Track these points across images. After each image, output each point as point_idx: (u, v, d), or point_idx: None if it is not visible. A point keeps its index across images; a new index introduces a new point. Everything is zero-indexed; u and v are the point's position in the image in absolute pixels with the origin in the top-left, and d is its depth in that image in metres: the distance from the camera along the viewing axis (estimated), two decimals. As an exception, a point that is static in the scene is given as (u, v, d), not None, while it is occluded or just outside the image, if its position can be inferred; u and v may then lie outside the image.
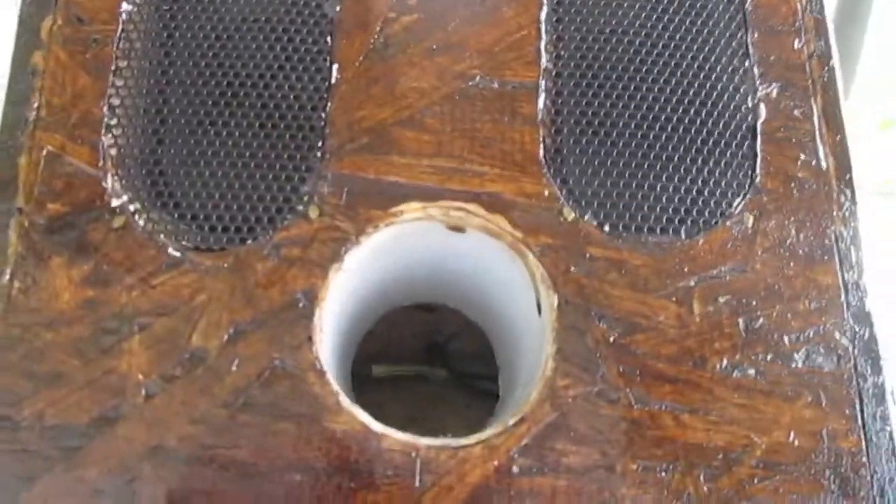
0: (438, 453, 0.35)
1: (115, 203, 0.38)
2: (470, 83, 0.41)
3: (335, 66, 0.40)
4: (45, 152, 0.39)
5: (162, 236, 0.38)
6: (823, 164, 0.41)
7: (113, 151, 0.39)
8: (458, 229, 0.40)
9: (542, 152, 0.40)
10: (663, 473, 0.36)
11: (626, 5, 0.42)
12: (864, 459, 0.37)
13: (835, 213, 0.40)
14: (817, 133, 0.41)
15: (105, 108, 0.39)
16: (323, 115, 0.40)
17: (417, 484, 0.35)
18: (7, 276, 0.37)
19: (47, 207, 0.38)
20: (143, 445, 0.35)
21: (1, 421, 0.35)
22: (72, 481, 0.34)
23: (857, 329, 0.39)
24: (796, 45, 0.43)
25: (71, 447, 0.35)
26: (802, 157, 0.41)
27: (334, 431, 0.35)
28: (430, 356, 0.59)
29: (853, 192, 0.41)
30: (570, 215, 0.39)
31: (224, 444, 0.35)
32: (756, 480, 0.36)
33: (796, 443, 0.37)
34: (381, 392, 0.59)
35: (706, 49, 0.42)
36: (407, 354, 0.57)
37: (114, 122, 0.39)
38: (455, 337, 0.57)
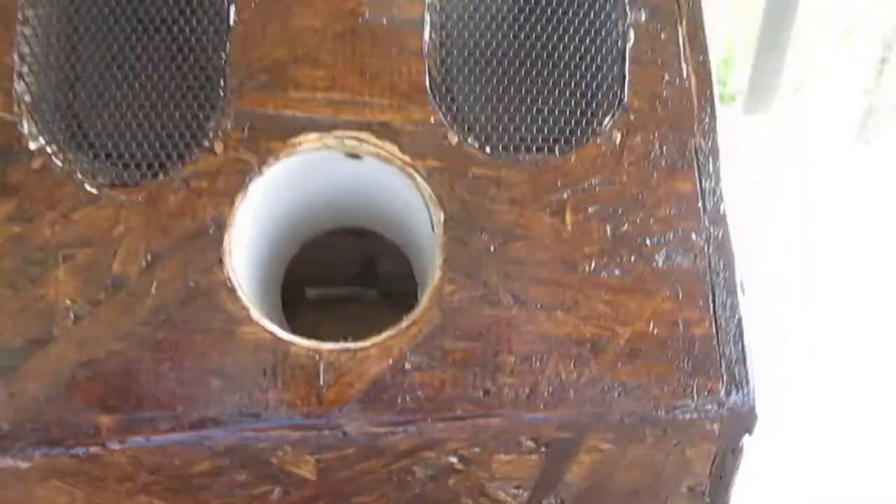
0: (339, 355, 0.40)
1: (32, 146, 0.41)
2: (360, 20, 0.44)
3: (232, 8, 0.43)
4: (-37, 101, 0.41)
5: (79, 175, 0.41)
6: (686, 83, 0.45)
7: (27, 97, 0.42)
8: (355, 156, 0.44)
9: (427, 82, 0.43)
10: (538, 363, 0.41)
11: (505, -61, 0.45)
12: (715, 343, 0.42)
13: (695, 127, 0.45)
14: (682, 55, 0.45)
15: (15, 56, 0.42)
16: (223, 55, 0.43)
17: (321, 382, 0.40)
18: (-63, 217, 0.40)
19: (-31, 152, 0.41)
20: (75, 361, 0.39)
21: (-57, 346, 0.39)
22: (13, 395, 0.39)
23: (711, 230, 0.44)
24: (663, -28, 0.46)
25: (9, 366, 0.39)
26: (667, 76, 0.45)
27: (246, 340, 0.40)
28: (362, 279, 0.63)
29: (713, 108, 0.45)
30: (455, 139, 0.43)
31: (147, 356, 0.39)
32: (620, 365, 0.41)
33: (656, 331, 0.42)
34: (317, 314, 0.64)
35: (580, -21, 0.45)
36: (340, 278, 0.62)
37: (24, 69, 0.42)
38: (382, 258, 0.61)
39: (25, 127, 0.41)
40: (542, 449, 0.41)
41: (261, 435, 0.39)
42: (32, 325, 0.39)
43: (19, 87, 0.42)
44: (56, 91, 0.42)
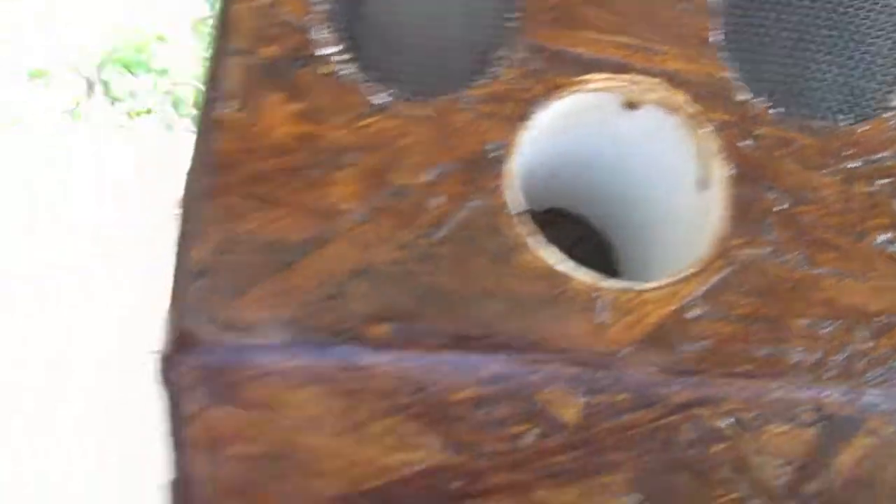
0: (620, 295, 0.38)
1: (323, 51, 0.41)
2: (651, -28, 0.44)
3: (528, -53, 0.43)
4: (260, 2, 0.42)
5: (368, 85, 0.41)
6: (976, 72, 0.44)
7: (319, 7, 0.42)
8: (633, 105, 0.43)
9: (717, 39, 0.43)
10: (826, 329, 0.38)
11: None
12: None
13: None
14: (971, 43, 0.44)
15: (315, -32, 0.42)
16: (516, -11, 0.43)
17: (601, 320, 0.38)
18: (228, 109, 0.40)
19: (263, 50, 0.41)
20: (352, 264, 0.38)
21: (225, 233, 0.38)
22: (286, 291, 0.37)
23: None
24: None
25: (285, 262, 0.38)
26: (958, 63, 0.44)
27: (523, 268, 0.38)
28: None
29: None
30: (742, 97, 0.42)
31: (425, 269, 0.38)
32: (911, 345, 0.39)
33: (948, 315, 0.39)
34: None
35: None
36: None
37: (322, -19, 0.42)
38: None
39: (318, 34, 0.41)
40: (820, 424, 0.38)
41: (533, 367, 0.37)
42: (312, 223, 0.38)
43: (316, -5, 0.42)
44: (349, 5, 0.42)
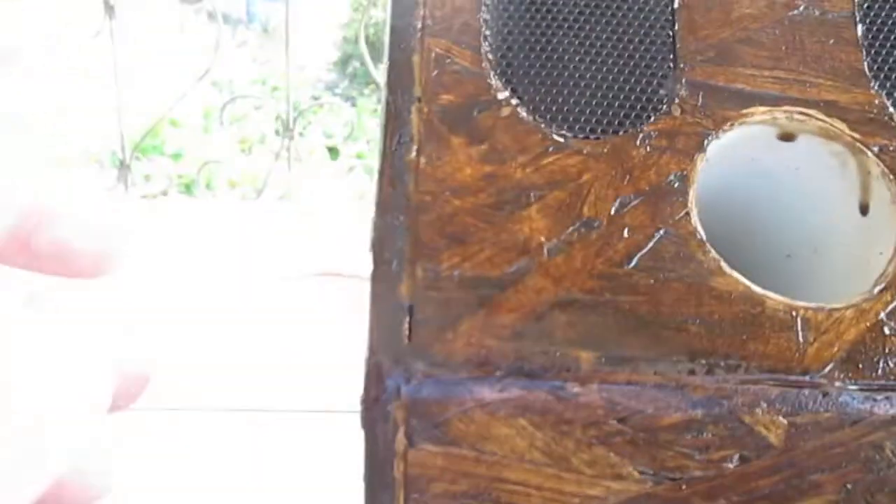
0: (815, 314, 0.39)
1: (500, 96, 0.43)
2: (795, 11, 0.46)
3: (677, -6, 0.46)
4: (433, 54, 0.44)
5: (544, 126, 0.42)
6: None
7: (491, 56, 0.44)
8: (789, 137, 0.45)
9: (867, 69, 0.45)
10: None
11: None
12: None
13: None
14: None
15: (481, 20, 0.44)
16: (671, 33, 0.45)
17: (801, 339, 0.38)
18: (414, 153, 0.41)
19: (441, 97, 0.43)
20: (553, 295, 0.38)
21: (426, 271, 0.39)
22: (492, 324, 0.38)
23: None
24: None
25: (486, 295, 0.38)
26: None
27: (720, 290, 0.39)
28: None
29: None
30: (900, 121, 0.44)
31: (624, 298, 0.39)
32: None
33: None
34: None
35: None
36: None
37: (487, 32, 0.44)
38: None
39: (493, 80, 0.43)
40: None
41: (741, 388, 0.38)
42: (509, 258, 0.39)
43: (484, 46, 0.44)
44: (521, 52, 0.44)
